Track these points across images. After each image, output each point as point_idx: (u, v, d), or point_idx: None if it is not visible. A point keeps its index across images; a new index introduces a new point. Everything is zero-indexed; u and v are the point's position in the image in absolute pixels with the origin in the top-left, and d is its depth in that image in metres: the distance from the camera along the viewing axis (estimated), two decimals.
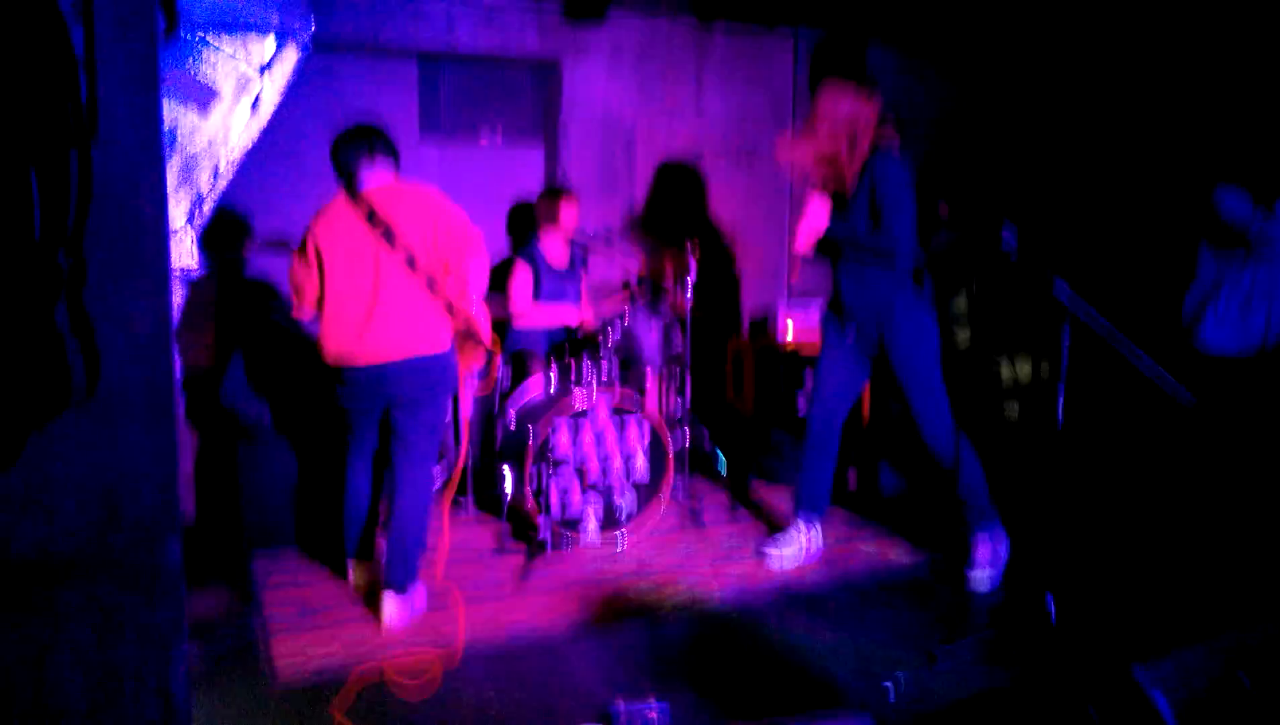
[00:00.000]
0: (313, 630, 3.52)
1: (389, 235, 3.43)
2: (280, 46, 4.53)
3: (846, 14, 6.17)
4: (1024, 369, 6.08)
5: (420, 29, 5.52)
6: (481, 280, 3.54)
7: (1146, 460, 5.35)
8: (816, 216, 3.97)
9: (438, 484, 3.73)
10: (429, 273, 3.46)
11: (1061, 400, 3.48)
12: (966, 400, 4.08)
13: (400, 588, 3.58)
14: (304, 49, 4.56)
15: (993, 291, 6.06)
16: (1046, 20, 6.07)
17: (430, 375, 3.54)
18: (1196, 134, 5.75)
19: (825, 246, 4.06)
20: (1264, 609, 3.57)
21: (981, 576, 4.02)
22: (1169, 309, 4.67)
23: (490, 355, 3.66)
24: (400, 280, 3.46)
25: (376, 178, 3.57)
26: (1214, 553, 4.27)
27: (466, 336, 3.54)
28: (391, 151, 3.64)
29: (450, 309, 3.50)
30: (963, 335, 6.08)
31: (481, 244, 3.53)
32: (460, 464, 3.87)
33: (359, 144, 3.59)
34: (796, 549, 4.29)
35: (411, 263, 3.44)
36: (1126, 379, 3.51)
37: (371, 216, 3.46)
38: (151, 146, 1.54)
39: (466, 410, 3.65)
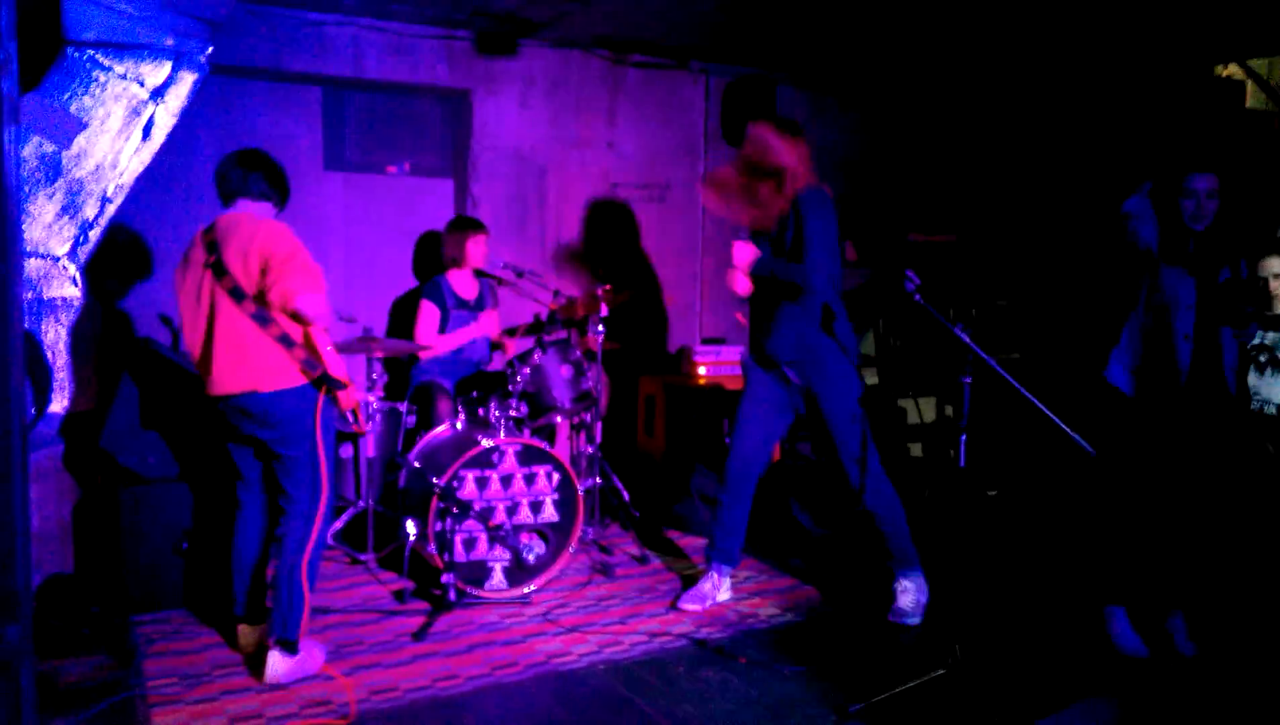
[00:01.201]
0: (196, 703, 3.26)
1: (218, 266, 3.31)
2: (176, 70, 4.31)
3: (757, 52, 6.18)
4: (928, 410, 6.13)
5: (326, 56, 5.35)
6: (314, 315, 3.31)
7: (1048, 502, 5.43)
8: (743, 255, 3.99)
9: (320, 532, 3.50)
10: (258, 306, 3.31)
11: (964, 440, 3.48)
12: (874, 440, 4.06)
13: (282, 644, 3.37)
14: (201, 73, 4.35)
15: (898, 332, 6.11)
16: (950, 59, 6.17)
17: (272, 414, 3.35)
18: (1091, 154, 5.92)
19: (755, 291, 4.06)
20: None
21: (902, 623, 4.00)
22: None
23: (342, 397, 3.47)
24: (229, 313, 3.33)
25: (241, 206, 3.46)
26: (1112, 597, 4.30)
27: (322, 376, 3.37)
28: (271, 181, 3.51)
29: (286, 343, 3.32)
30: (869, 376, 6.11)
31: (315, 278, 3.32)
32: (318, 516, 3.51)
33: (231, 169, 3.49)
34: (709, 601, 4.21)
35: (237, 295, 3.29)
36: (1029, 423, 3.51)
37: (210, 246, 3.36)
38: None
39: (321, 453, 3.43)
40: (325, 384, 3.40)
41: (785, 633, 4.00)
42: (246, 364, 3.32)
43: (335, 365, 3.42)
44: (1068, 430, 3.28)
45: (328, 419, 3.47)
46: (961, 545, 3.86)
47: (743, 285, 4.05)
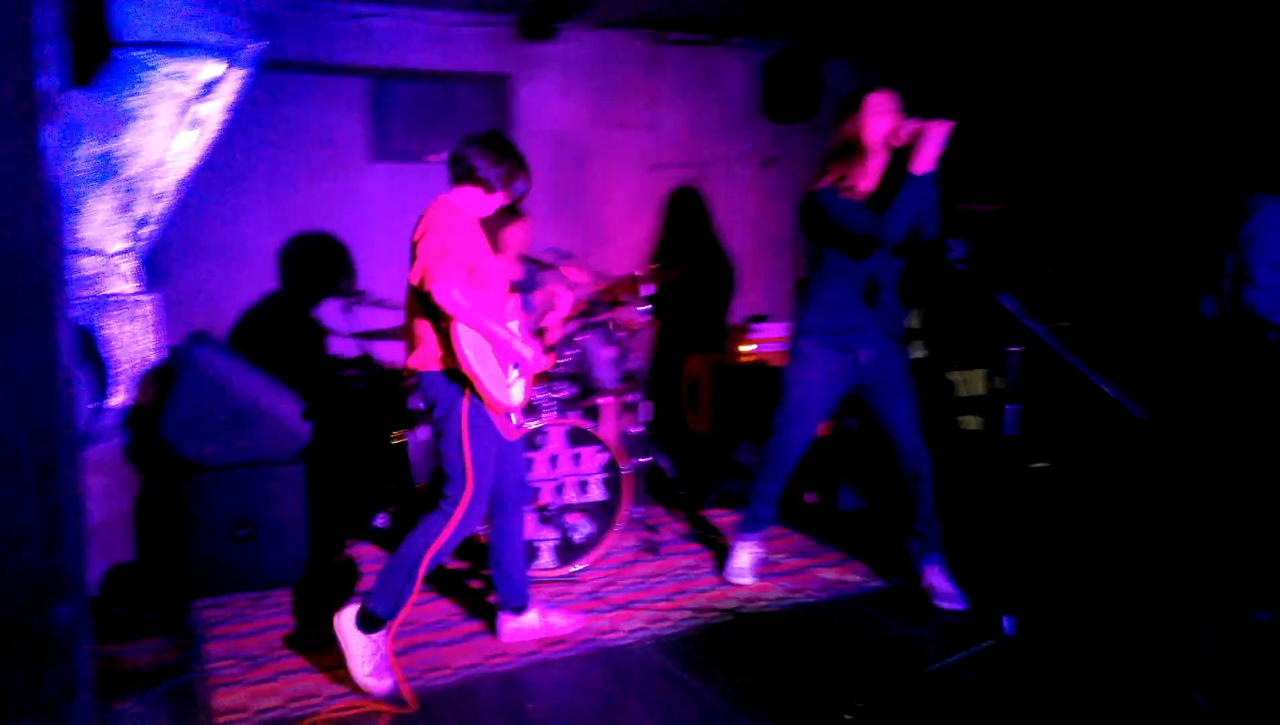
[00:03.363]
0: (255, 683, 3.36)
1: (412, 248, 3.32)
2: (224, 66, 4.40)
3: (798, 24, 6.13)
4: (976, 382, 6.06)
5: (369, 47, 5.43)
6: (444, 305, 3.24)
7: (1098, 472, 5.35)
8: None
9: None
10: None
11: (1011, 410, 3.43)
12: (923, 415, 4.02)
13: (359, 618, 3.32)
14: (250, 68, 4.44)
15: (945, 305, 6.04)
16: (998, 24, 6.06)
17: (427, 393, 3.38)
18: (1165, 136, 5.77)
19: (827, 264, 3.93)
20: (1216, 623, 3.54)
21: (950, 604, 3.93)
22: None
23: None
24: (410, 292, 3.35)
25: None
26: (1167, 565, 4.24)
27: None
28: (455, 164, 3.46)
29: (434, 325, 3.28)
30: (917, 350, 6.05)
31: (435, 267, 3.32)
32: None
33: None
34: (750, 572, 4.27)
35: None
36: (1080, 391, 3.46)
37: None
38: (26, 179, 1.43)
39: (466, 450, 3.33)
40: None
41: (830, 607, 4.00)
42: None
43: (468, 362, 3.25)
44: (1114, 394, 3.23)
45: (475, 418, 3.33)
46: (1007, 517, 3.81)
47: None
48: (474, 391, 3.26)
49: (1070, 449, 5.53)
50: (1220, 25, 5.37)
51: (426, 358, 3.30)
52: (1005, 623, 3.39)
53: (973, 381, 5.97)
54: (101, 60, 4.17)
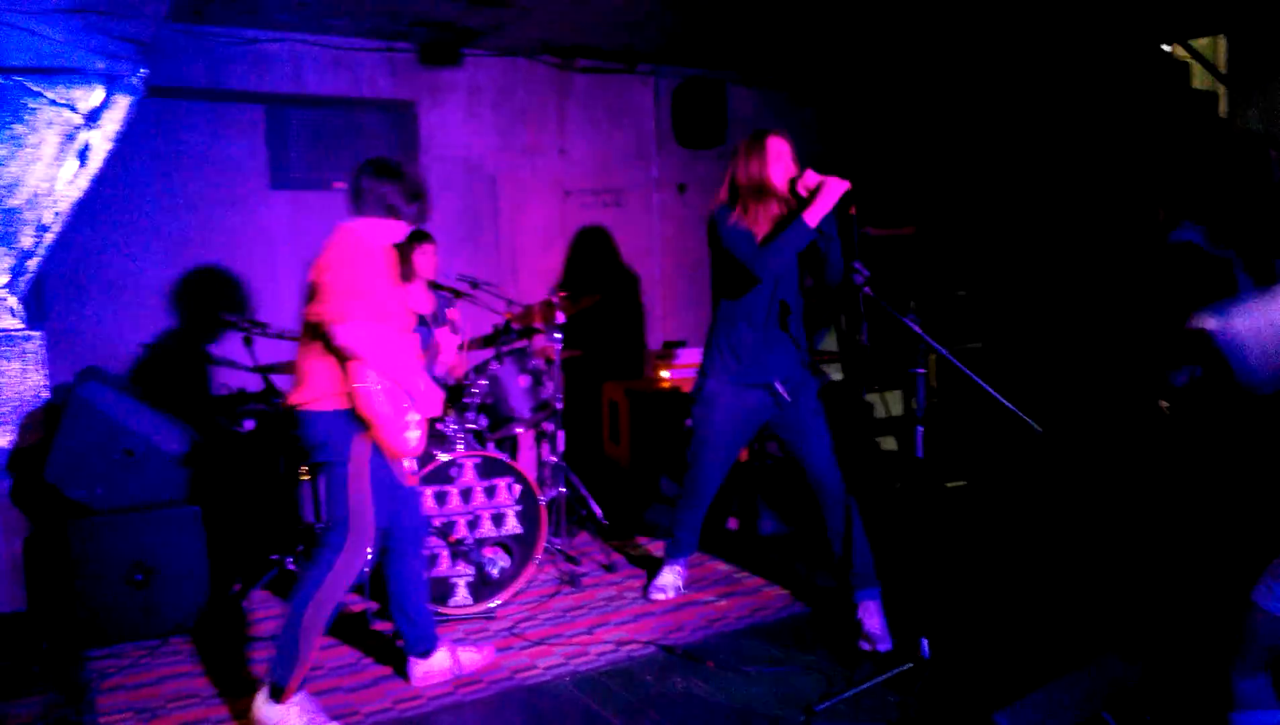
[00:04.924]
0: None
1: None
2: (110, 93, 4.21)
3: (706, 53, 6.16)
4: (894, 403, 6.12)
5: (265, 72, 5.28)
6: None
7: (1012, 489, 5.43)
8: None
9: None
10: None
11: (920, 431, 3.44)
12: (843, 437, 4.01)
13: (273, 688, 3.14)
14: (136, 95, 4.26)
15: (858, 326, 6.09)
16: (899, 50, 6.17)
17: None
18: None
19: (735, 304, 3.92)
20: (1127, 645, 3.58)
21: (873, 646, 3.76)
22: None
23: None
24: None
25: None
26: (1078, 585, 4.30)
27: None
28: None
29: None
30: (834, 372, 6.09)
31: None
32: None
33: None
34: (673, 590, 4.30)
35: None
36: (990, 410, 3.48)
37: None
38: None
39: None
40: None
41: (751, 634, 3.95)
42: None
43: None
44: (1016, 411, 3.26)
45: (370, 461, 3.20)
46: (923, 538, 3.82)
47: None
48: (367, 434, 3.12)
49: (985, 467, 5.61)
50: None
51: (319, 395, 3.12)
52: (923, 644, 3.38)
53: (890, 402, 6.03)
54: None
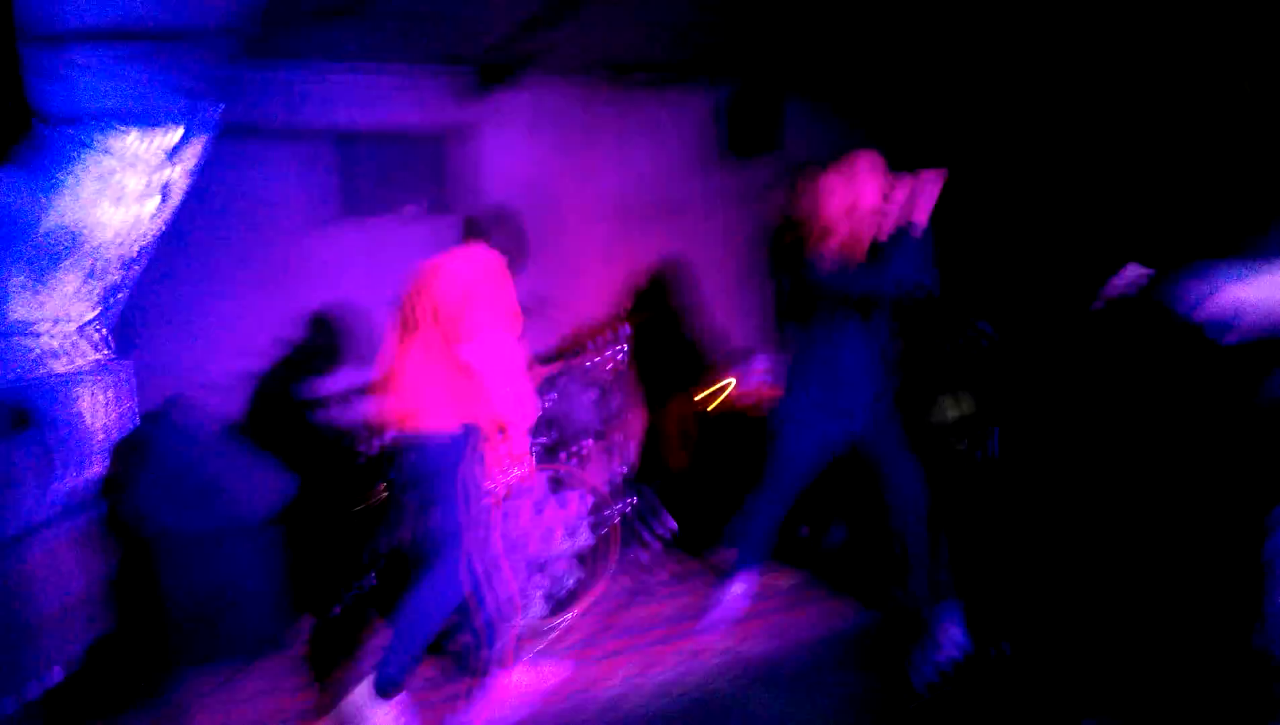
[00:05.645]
0: None
1: None
2: (189, 132, 4.39)
3: (763, 65, 6.18)
4: (967, 404, 6.04)
5: (334, 107, 5.43)
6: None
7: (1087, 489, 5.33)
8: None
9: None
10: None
11: (996, 432, 3.42)
12: (916, 443, 3.99)
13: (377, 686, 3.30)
14: (213, 131, 4.44)
15: (921, 332, 6.04)
16: (954, 57, 6.12)
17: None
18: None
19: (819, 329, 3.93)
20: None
21: (946, 660, 3.74)
22: None
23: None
24: None
25: None
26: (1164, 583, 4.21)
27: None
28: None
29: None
30: (902, 381, 6.04)
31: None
32: None
33: None
34: (743, 596, 4.28)
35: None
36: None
37: None
38: None
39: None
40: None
41: (824, 645, 3.95)
42: None
43: None
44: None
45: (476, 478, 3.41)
46: (996, 541, 3.78)
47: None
48: (474, 448, 3.28)
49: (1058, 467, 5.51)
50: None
51: (436, 417, 3.26)
52: (1004, 649, 3.35)
53: (964, 403, 5.96)
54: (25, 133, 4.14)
